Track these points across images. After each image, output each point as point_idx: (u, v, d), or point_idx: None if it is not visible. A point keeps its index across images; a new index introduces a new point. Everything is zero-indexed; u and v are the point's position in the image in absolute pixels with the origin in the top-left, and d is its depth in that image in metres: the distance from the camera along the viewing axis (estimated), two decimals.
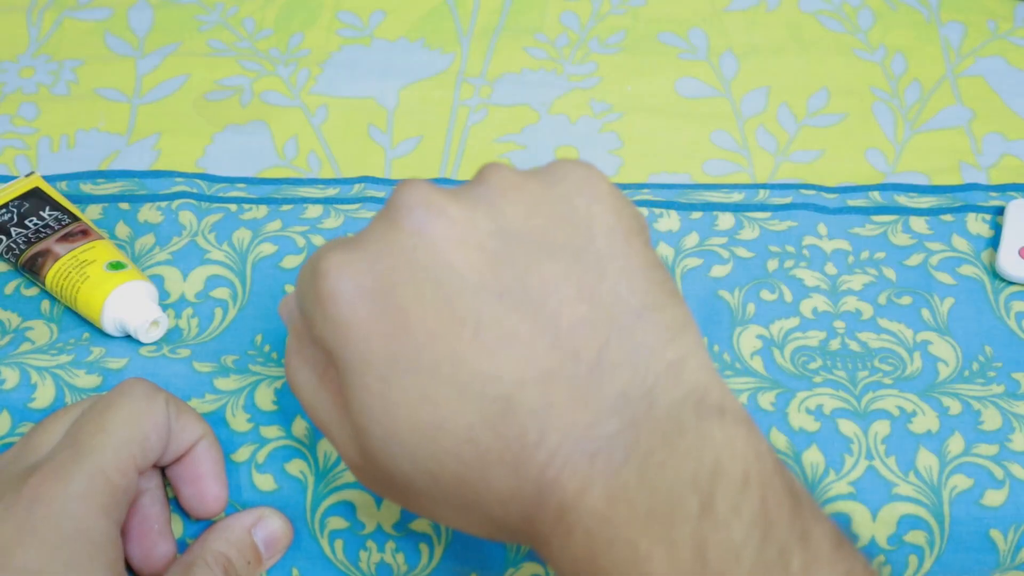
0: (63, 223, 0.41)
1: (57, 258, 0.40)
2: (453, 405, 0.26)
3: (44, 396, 0.37)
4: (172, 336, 0.40)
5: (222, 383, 0.38)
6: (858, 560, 0.25)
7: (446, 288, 0.27)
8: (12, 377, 0.37)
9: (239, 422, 0.37)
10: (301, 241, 0.42)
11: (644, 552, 0.24)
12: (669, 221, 0.44)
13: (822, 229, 0.43)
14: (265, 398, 0.37)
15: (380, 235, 0.28)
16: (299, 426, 0.37)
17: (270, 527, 0.35)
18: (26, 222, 0.41)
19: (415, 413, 0.27)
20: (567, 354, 0.26)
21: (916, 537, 0.35)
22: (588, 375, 0.26)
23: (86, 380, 0.38)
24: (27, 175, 0.44)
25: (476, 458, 0.26)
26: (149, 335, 0.39)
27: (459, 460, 0.26)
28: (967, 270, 0.42)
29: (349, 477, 0.36)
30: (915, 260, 0.42)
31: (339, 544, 0.36)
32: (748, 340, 0.40)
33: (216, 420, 0.37)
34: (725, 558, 0.24)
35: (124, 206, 0.44)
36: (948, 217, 0.44)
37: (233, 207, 0.44)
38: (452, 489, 0.27)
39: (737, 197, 0.45)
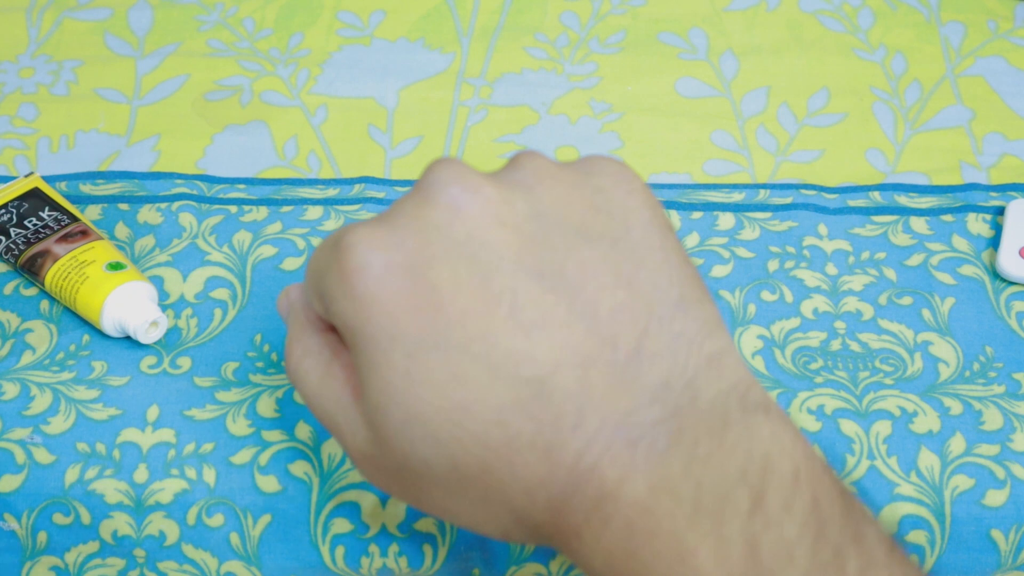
0: (62, 224, 0.41)
1: (56, 259, 0.40)
2: (483, 385, 0.25)
3: (39, 405, 0.37)
4: (171, 337, 0.40)
5: (223, 396, 0.38)
6: (911, 566, 0.24)
7: (482, 265, 0.26)
8: (12, 391, 0.38)
9: (240, 428, 0.37)
10: (301, 243, 0.42)
11: (691, 546, 0.23)
12: None
13: (822, 229, 0.43)
14: (267, 407, 0.37)
15: (412, 211, 0.27)
16: (303, 430, 0.37)
17: None
18: (25, 223, 0.41)
19: (442, 392, 0.25)
20: (605, 340, 0.25)
21: (917, 537, 0.35)
22: (627, 362, 0.25)
23: (86, 394, 0.38)
24: (26, 175, 0.44)
25: (504, 442, 0.25)
26: (149, 335, 0.39)
27: (485, 444, 0.25)
28: (968, 270, 0.42)
29: (354, 477, 0.36)
30: (916, 260, 0.42)
31: (340, 551, 0.36)
32: (749, 340, 0.40)
33: (216, 426, 0.37)
34: (779, 557, 0.23)
35: (124, 207, 0.44)
36: (948, 217, 0.44)
37: (233, 209, 0.44)
38: (473, 477, 0.26)
39: (737, 197, 0.45)
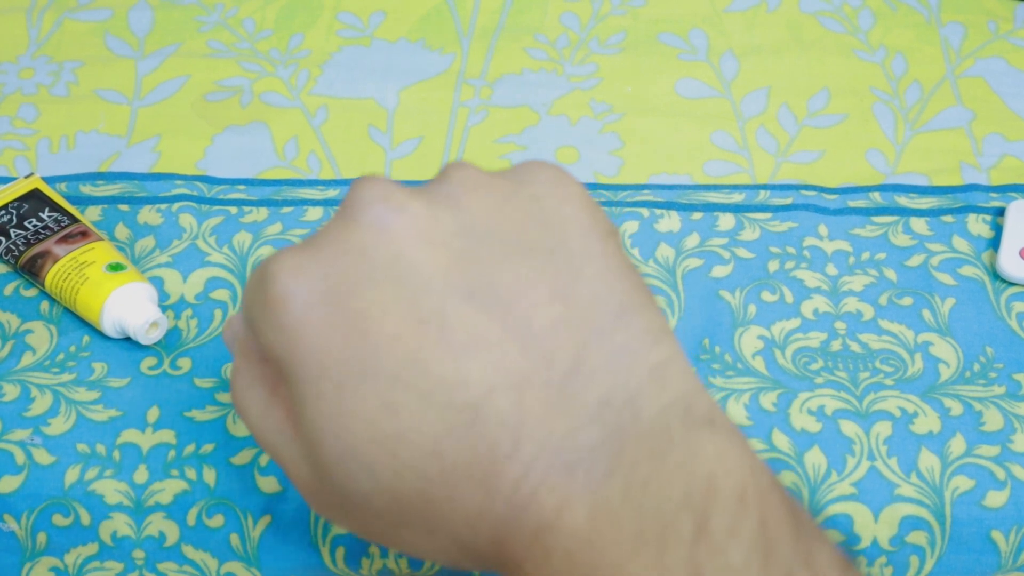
0: (62, 224, 0.41)
1: (56, 259, 0.40)
2: (416, 414, 0.24)
3: (39, 406, 0.37)
4: (171, 338, 0.40)
5: (224, 396, 0.38)
6: None
7: (408, 287, 0.25)
8: (12, 392, 0.38)
9: (240, 429, 0.37)
10: None
11: None
12: (670, 222, 0.43)
13: (823, 230, 0.43)
14: None
15: (335, 235, 0.26)
16: None
17: None
18: (25, 224, 0.41)
19: (374, 423, 0.24)
20: (541, 358, 0.24)
21: (918, 538, 0.35)
22: (564, 381, 0.24)
23: (86, 395, 0.38)
24: (27, 176, 0.44)
25: (441, 473, 0.24)
26: (149, 336, 0.39)
27: (422, 476, 0.24)
28: (968, 271, 0.42)
29: None
30: (916, 261, 0.42)
31: (340, 552, 0.36)
32: (749, 341, 0.40)
33: (216, 427, 0.37)
34: None
35: (124, 208, 0.44)
36: (949, 218, 0.44)
37: (233, 209, 0.44)
38: (415, 509, 0.25)
39: (738, 198, 0.45)
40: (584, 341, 0.25)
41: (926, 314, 0.40)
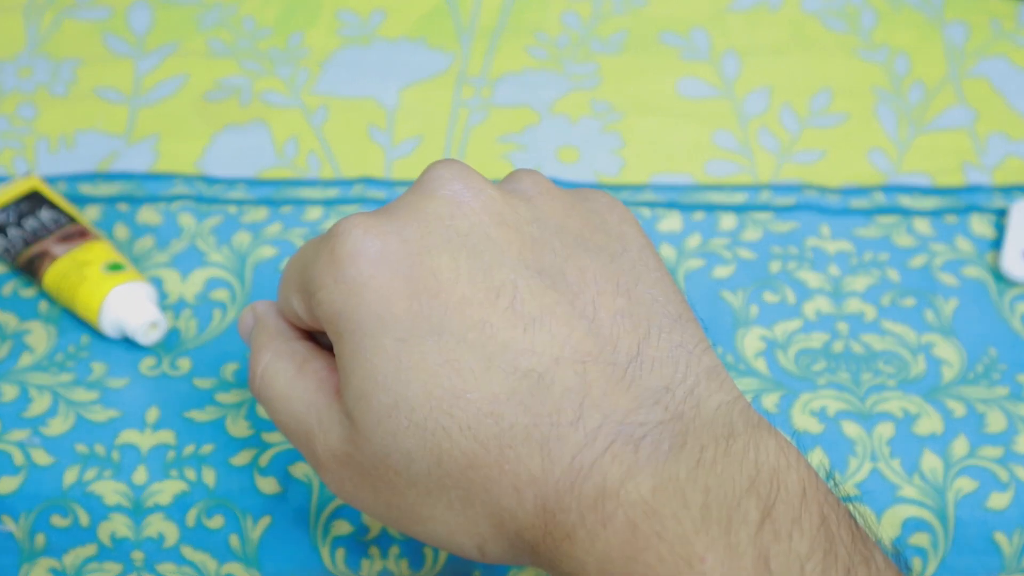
0: (61, 224, 0.41)
1: (55, 259, 0.40)
2: (478, 375, 0.24)
3: (38, 407, 0.37)
4: (171, 338, 0.39)
5: (223, 397, 0.38)
6: None
7: (482, 257, 0.25)
8: (10, 393, 0.37)
9: (240, 429, 0.37)
10: (301, 244, 0.42)
11: (699, 552, 0.22)
12: (671, 222, 0.43)
13: (825, 230, 0.43)
14: None
15: (411, 203, 0.26)
16: None
17: None
18: (23, 223, 0.41)
19: (433, 379, 0.24)
20: (606, 341, 0.25)
21: (920, 540, 0.35)
22: (628, 364, 0.25)
23: (85, 396, 0.37)
24: (25, 176, 0.44)
25: (496, 435, 0.24)
26: (148, 337, 0.38)
27: (474, 437, 0.24)
28: (971, 271, 0.42)
29: None
30: (918, 261, 0.42)
31: (340, 553, 0.35)
32: (751, 342, 0.40)
33: (216, 428, 0.37)
34: (789, 571, 0.21)
35: (123, 207, 0.44)
36: (952, 218, 0.43)
37: (233, 209, 0.44)
38: (457, 473, 0.24)
39: (740, 198, 0.44)
40: (646, 333, 0.25)
41: (929, 315, 0.40)
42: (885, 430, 0.37)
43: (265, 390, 0.29)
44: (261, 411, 0.37)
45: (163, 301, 0.41)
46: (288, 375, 0.28)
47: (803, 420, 0.37)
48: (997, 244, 0.43)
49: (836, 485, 0.26)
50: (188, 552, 0.35)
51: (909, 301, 0.41)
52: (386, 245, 0.25)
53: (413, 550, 0.35)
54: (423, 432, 0.24)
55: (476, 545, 0.26)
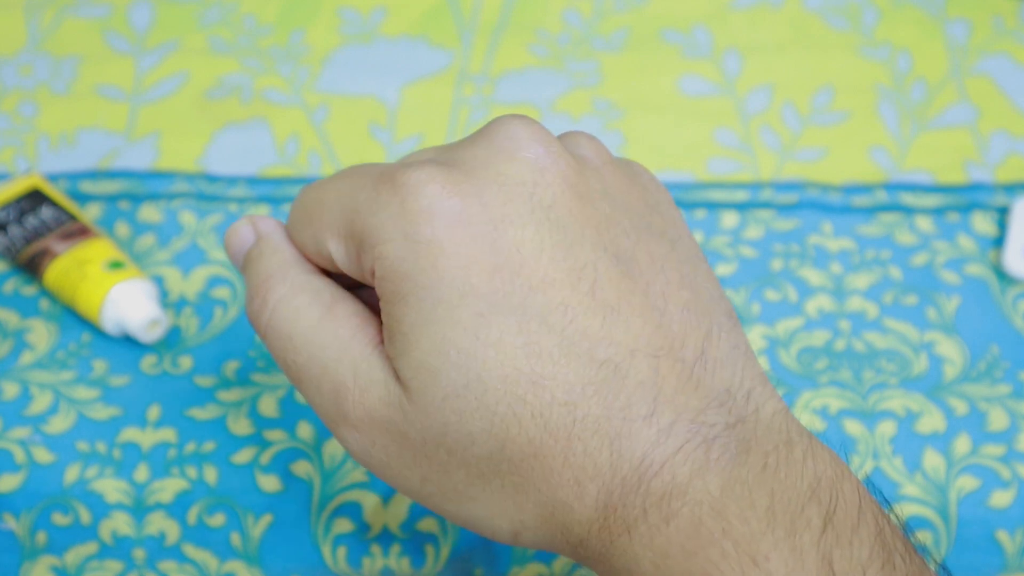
0: (62, 222, 0.41)
1: (56, 257, 0.39)
2: (556, 361, 0.23)
3: (39, 405, 0.37)
4: (172, 336, 0.39)
5: (224, 395, 0.38)
6: None
7: (566, 234, 0.24)
8: (11, 390, 0.37)
9: (241, 427, 0.37)
10: None
11: (764, 551, 0.21)
12: None
13: (827, 228, 0.43)
14: (268, 407, 0.37)
15: (490, 164, 0.24)
16: (304, 430, 0.37)
17: None
18: (24, 221, 0.41)
19: (511, 360, 0.23)
20: (676, 336, 0.24)
21: (922, 538, 0.35)
22: (694, 363, 0.24)
23: (86, 393, 0.37)
24: (26, 173, 0.44)
25: (567, 425, 0.23)
26: (149, 335, 0.38)
27: (545, 426, 0.23)
28: (973, 269, 0.42)
29: (357, 477, 0.36)
30: (921, 259, 0.42)
31: (342, 551, 0.35)
32: (753, 340, 0.39)
33: (217, 425, 0.37)
34: (853, 574, 0.21)
35: (124, 205, 0.44)
36: (954, 216, 0.43)
37: (234, 207, 0.43)
38: (517, 461, 0.23)
39: (741, 196, 0.44)
40: (708, 332, 0.25)
41: (931, 313, 0.40)
42: (887, 428, 0.37)
43: (279, 326, 0.26)
44: (263, 407, 0.37)
45: (164, 299, 0.40)
46: (313, 315, 0.26)
47: (805, 418, 0.37)
48: (999, 242, 0.43)
49: (883, 497, 0.27)
50: (189, 550, 0.35)
51: (911, 299, 0.41)
52: (467, 208, 0.24)
53: (415, 548, 0.35)
54: (492, 416, 0.23)
55: (512, 530, 0.25)
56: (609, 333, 0.23)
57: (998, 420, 0.37)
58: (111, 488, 0.35)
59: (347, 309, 0.26)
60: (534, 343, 0.23)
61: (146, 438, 0.37)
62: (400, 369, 0.24)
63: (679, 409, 0.23)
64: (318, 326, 0.25)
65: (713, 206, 0.44)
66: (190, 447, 0.36)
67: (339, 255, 0.26)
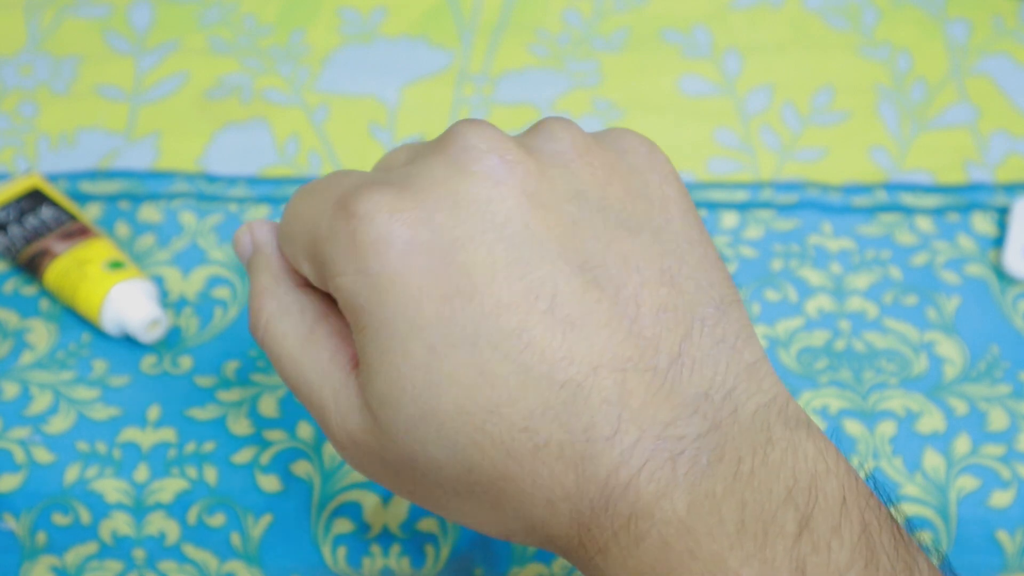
0: (62, 222, 0.41)
1: (56, 257, 0.39)
2: (513, 388, 0.22)
3: (39, 405, 0.37)
4: (172, 336, 0.39)
5: (224, 395, 0.38)
6: None
7: (521, 252, 0.23)
8: (11, 391, 0.37)
9: (241, 427, 0.37)
10: None
11: (733, 568, 0.21)
12: None
13: (827, 228, 0.43)
14: (268, 407, 0.37)
15: (441, 180, 0.24)
16: (304, 430, 0.37)
17: None
18: (24, 221, 0.41)
19: (466, 393, 0.23)
20: (648, 342, 0.23)
21: (922, 538, 0.35)
22: (668, 368, 0.23)
23: (86, 393, 0.37)
24: (26, 173, 0.44)
25: (529, 451, 0.23)
26: (149, 335, 0.38)
27: (508, 452, 0.23)
28: (973, 269, 0.42)
29: (356, 477, 0.36)
30: (921, 259, 0.42)
31: (342, 551, 0.35)
32: None
33: (217, 425, 0.37)
34: None
35: (124, 205, 0.44)
36: (954, 216, 0.43)
37: (234, 207, 0.43)
38: (487, 484, 0.23)
39: (741, 196, 0.44)
40: (687, 330, 0.24)
41: (931, 313, 0.40)
42: (887, 428, 0.37)
43: (271, 344, 0.27)
44: (263, 407, 0.37)
45: (164, 299, 0.40)
46: (297, 337, 0.26)
47: None
48: (999, 242, 0.43)
49: (878, 487, 0.26)
50: (189, 550, 0.35)
51: (911, 299, 0.41)
52: (415, 235, 0.23)
53: (415, 548, 0.35)
54: (453, 445, 0.23)
55: (502, 535, 0.25)
56: (570, 352, 0.23)
57: (998, 420, 0.37)
58: (111, 488, 0.35)
59: (327, 329, 0.26)
60: (488, 372, 0.22)
61: (146, 438, 0.37)
62: (367, 399, 0.24)
63: (644, 425, 0.22)
64: (301, 348, 0.26)
65: (713, 206, 0.44)
66: (190, 447, 0.36)
67: (311, 276, 0.26)
